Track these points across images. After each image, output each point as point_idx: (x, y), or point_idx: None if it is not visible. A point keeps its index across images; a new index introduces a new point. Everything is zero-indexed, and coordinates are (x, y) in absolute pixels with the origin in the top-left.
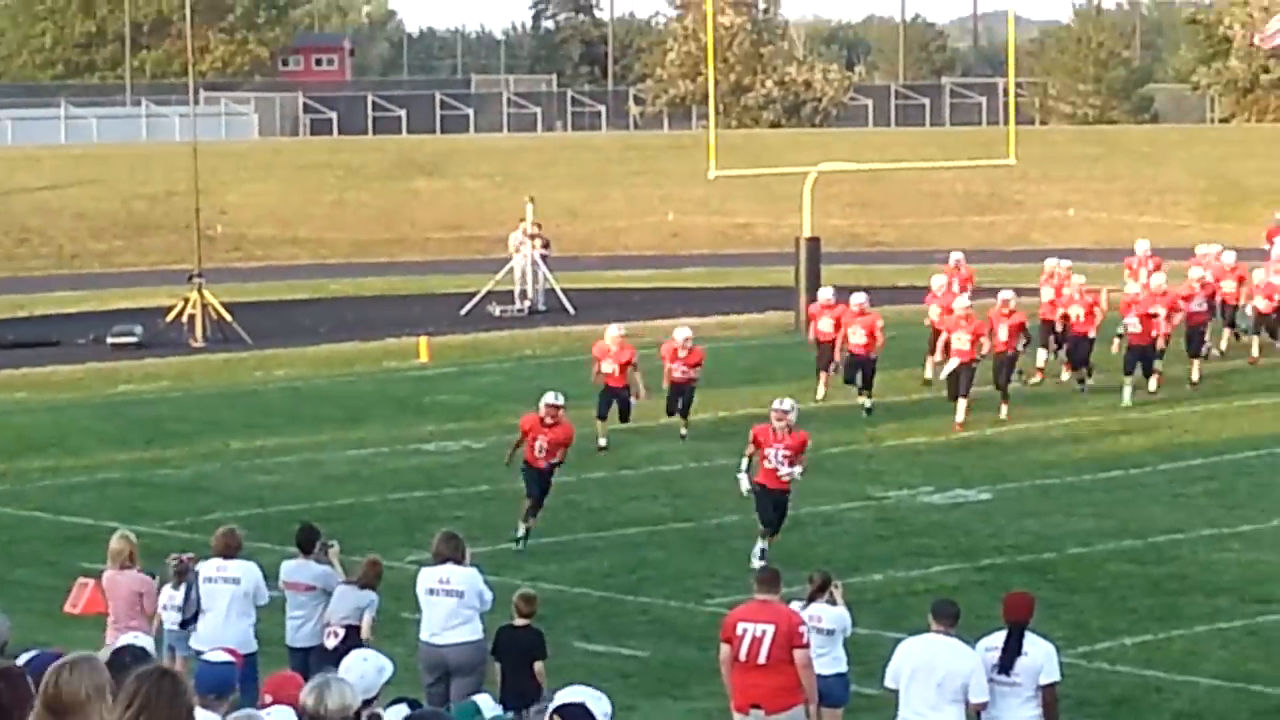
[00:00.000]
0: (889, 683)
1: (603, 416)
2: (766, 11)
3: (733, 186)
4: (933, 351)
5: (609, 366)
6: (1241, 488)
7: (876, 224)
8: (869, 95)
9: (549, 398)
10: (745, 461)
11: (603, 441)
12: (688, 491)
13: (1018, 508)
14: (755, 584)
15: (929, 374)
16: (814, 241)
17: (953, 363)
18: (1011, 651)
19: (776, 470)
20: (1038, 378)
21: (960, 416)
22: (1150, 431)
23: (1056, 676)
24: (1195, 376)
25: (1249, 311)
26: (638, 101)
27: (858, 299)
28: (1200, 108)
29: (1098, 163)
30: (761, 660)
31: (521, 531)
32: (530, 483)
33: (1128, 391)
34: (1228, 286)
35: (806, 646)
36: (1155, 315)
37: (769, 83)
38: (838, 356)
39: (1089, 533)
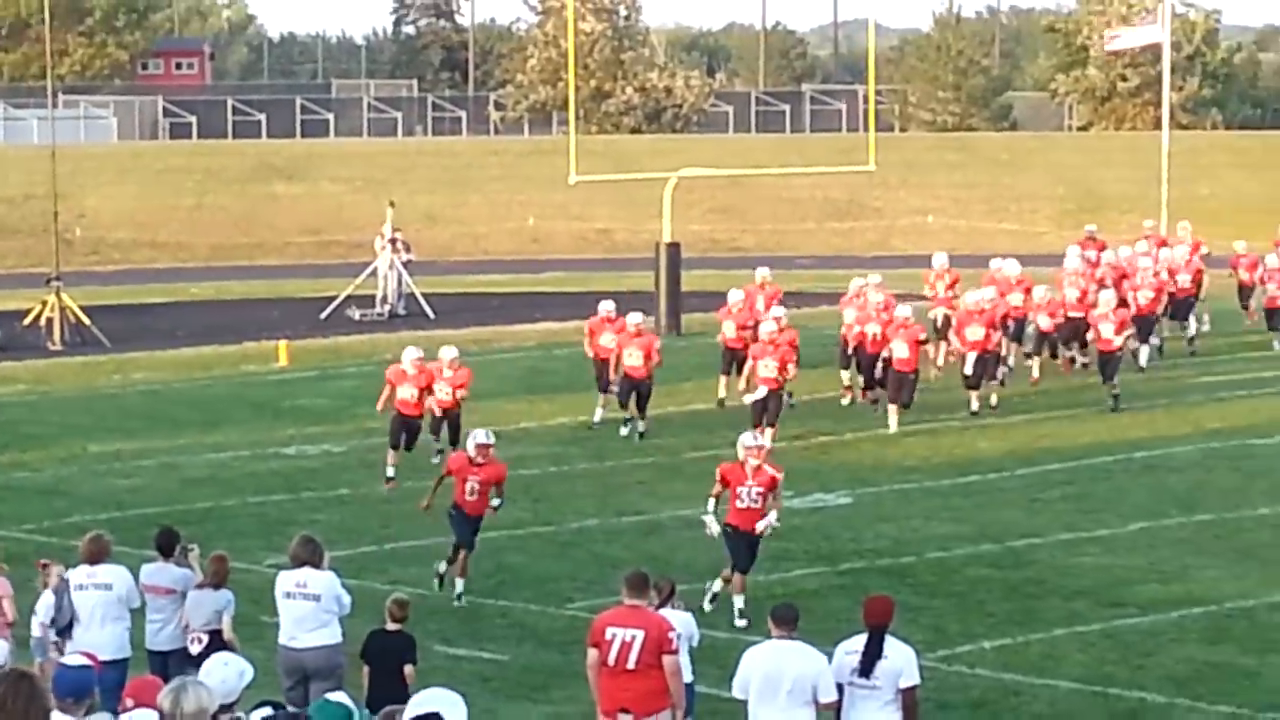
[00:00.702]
0: (737, 693)
1: (395, 446)
2: (627, 18)
3: (593, 192)
4: (726, 372)
5: (406, 392)
6: (1098, 492)
7: (736, 230)
8: (730, 102)
9: (479, 436)
10: (712, 502)
11: (390, 472)
12: (547, 495)
13: (877, 512)
14: (624, 589)
15: (721, 393)
16: (674, 247)
17: (760, 390)
18: (872, 655)
19: (750, 509)
20: (846, 397)
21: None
22: (1008, 437)
23: (916, 680)
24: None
25: (1029, 330)
26: (498, 107)
27: (634, 319)
28: (1059, 115)
29: (957, 170)
30: (631, 665)
31: (443, 569)
32: (459, 526)
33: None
34: (1014, 299)
35: (676, 653)
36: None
37: (630, 89)
38: (613, 375)
39: (947, 537)
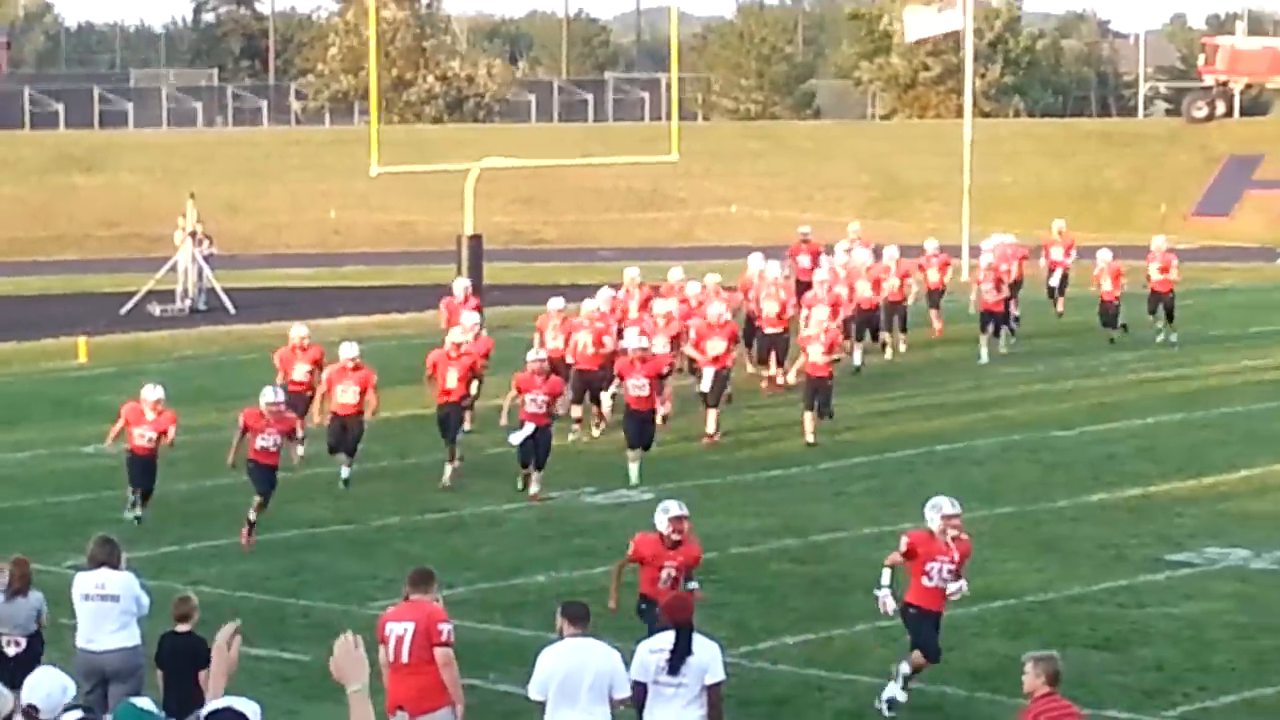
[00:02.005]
0: (535, 694)
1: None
2: (429, 6)
3: (395, 183)
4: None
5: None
6: (901, 486)
7: (539, 221)
8: (532, 91)
9: (268, 394)
10: (887, 574)
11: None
12: (348, 494)
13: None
14: (407, 584)
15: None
16: (476, 239)
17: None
18: (681, 652)
19: (938, 589)
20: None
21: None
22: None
23: (722, 676)
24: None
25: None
26: (299, 96)
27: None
28: (862, 104)
29: (761, 159)
30: (405, 660)
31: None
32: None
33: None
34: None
35: (447, 645)
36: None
37: (431, 78)
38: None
39: (751, 532)
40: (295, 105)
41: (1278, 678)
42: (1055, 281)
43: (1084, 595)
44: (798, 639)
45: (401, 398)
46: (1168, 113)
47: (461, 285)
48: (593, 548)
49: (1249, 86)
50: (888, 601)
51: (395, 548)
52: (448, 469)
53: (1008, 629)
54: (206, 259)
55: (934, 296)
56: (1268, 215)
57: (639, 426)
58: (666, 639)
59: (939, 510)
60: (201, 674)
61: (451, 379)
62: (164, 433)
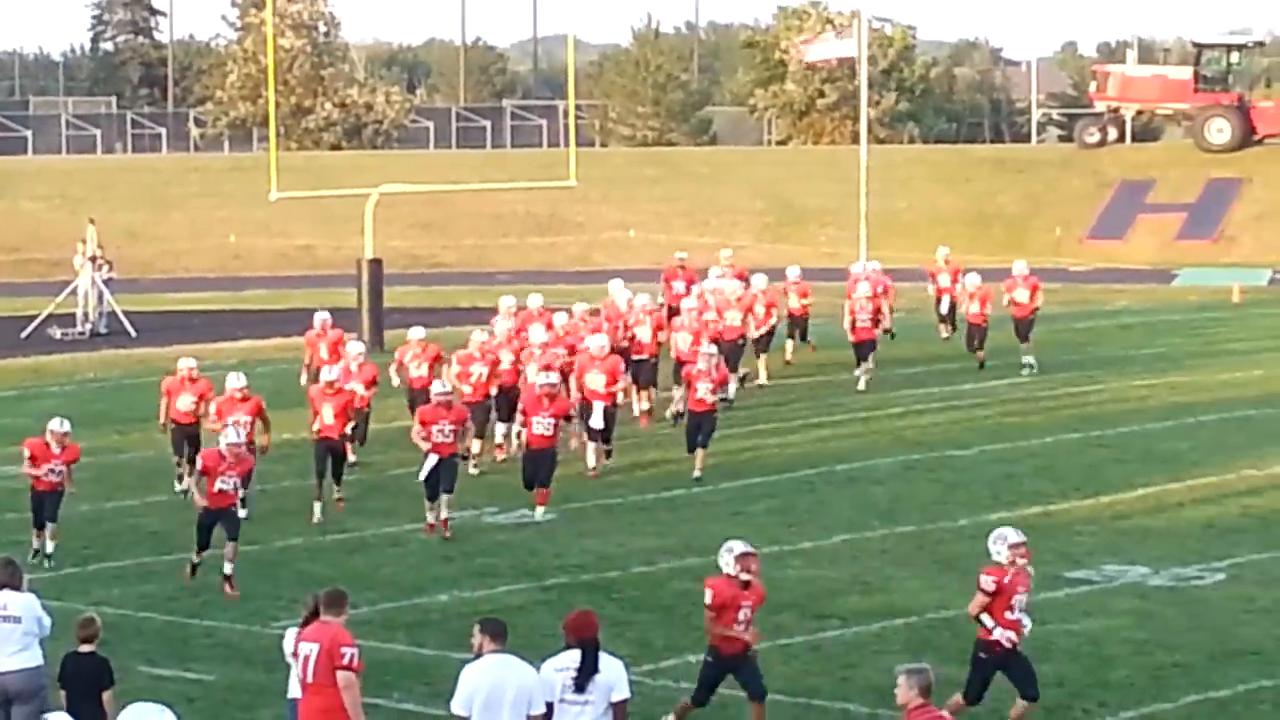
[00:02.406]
0: (460, 710)
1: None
2: (327, 34)
3: (294, 208)
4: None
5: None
6: (801, 505)
7: (438, 245)
8: (430, 118)
9: (229, 435)
10: (989, 620)
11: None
12: (251, 513)
13: (582, 527)
14: (321, 604)
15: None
16: (376, 263)
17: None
18: (588, 670)
19: (1019, 621)
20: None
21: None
22: (711, 451)
23: (627, 694)
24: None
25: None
26: (198, 123)
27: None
28: (758, 130)
29: (657, 184)
30: (310, 680)
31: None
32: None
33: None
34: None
35: (349, 668)
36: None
37: (330, 105)
38: None
39: (652, 551)
40: (194, 132)
41: (1176, 693)
42: (945, 309)
43: None
44: (700, 657)
45: (302, 419)
46: (1060, 139)
47: (320, 318)
48: (495, 567)
49: (1140, 113)
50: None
51: (298, 568)
52: (316, 506)
53: (910, 646)
54: (106, 283)
55: (794, 324)
56: (1160, 238)
57: (535, 467)
58: (571, 657)
59: (1005, 541)
60: (105, 694)
61: (328, 415)
62: (70, 465)
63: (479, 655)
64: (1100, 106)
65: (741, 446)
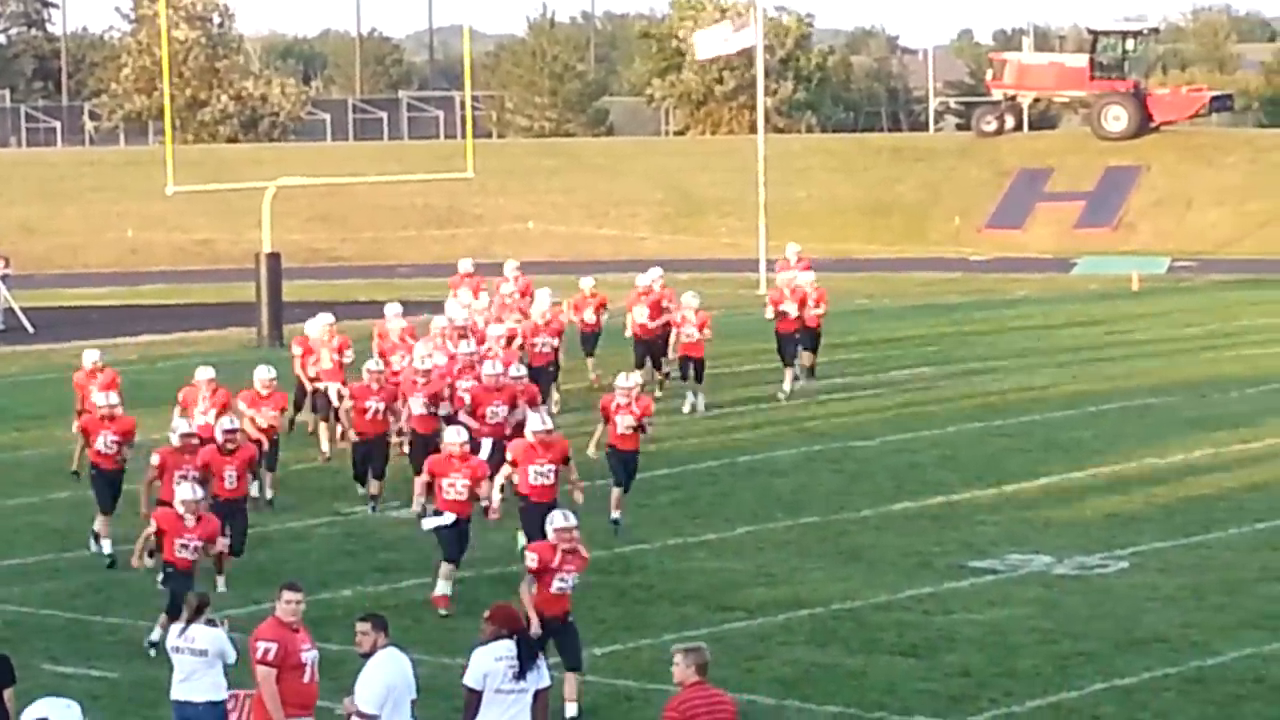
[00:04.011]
0: (372, 708)
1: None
2: (221, 26)
3: (192, 202)
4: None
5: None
6: (705, 497)
7: (336, 238)
8: (327, 109)
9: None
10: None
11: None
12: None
13: (485, 521)
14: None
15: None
16: (274, 257)
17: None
18: (528, 658)
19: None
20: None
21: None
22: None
23: (549, 681)
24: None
25: None
26: (93, 117)
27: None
28: (656, 120)
29: (556, 175)
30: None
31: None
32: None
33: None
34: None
35: (263, 663)
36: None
37: (225, 98)
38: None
39: None
40: (89, 125)
41: (1081, 681)
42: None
43: (890, 603)
44: (605, 650)
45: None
46: (958, 127)
47: (204, 374)
48: (398, 562)
49: (1037, 101)
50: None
51: (200, 564)
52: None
53: (814, 637)
54: (2, 279)
55: (589, 341)
56: (1059, 226)
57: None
58: (507, 647)
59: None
60: (6, 692)
61: (230, 479)
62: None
63: (372, 651)
64: (997, 94)
65: (645, 438)
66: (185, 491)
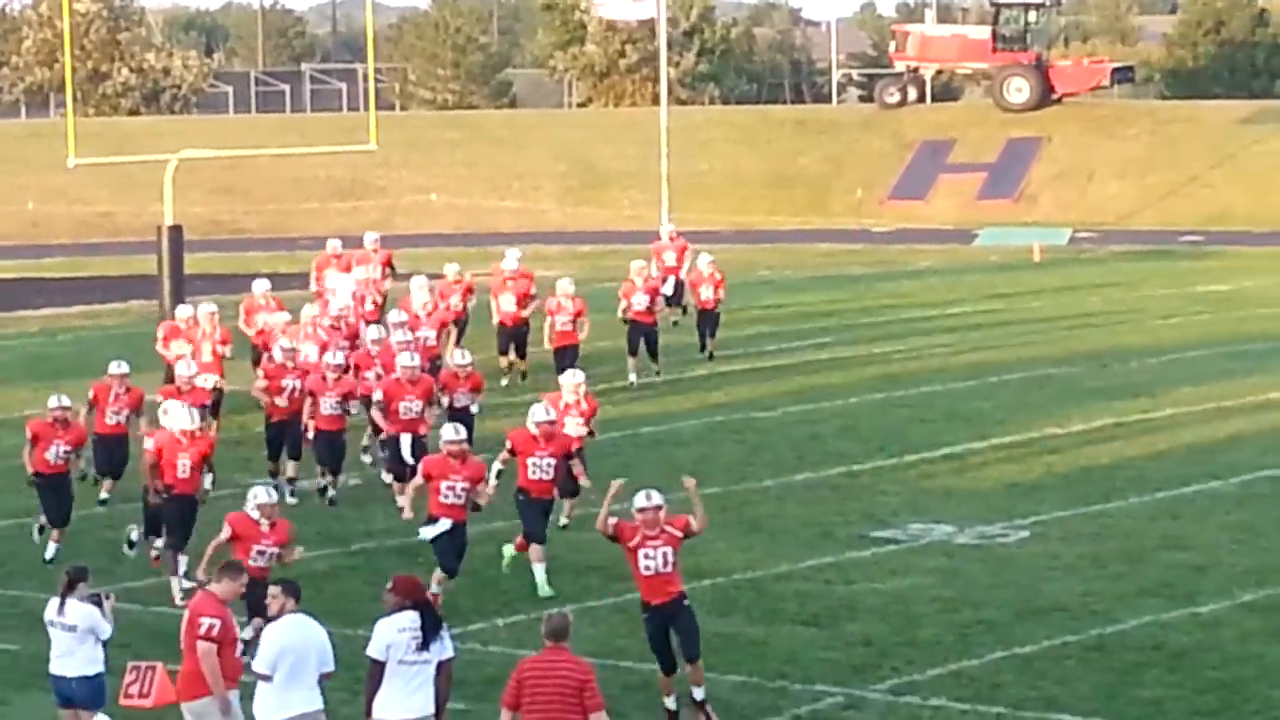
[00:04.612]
0: (265, 669)
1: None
2: None
3: (93, 175)
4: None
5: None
6: (607, 468)
7: (239, 211)
8: (229, 82)
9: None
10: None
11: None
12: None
13: (384, 494)
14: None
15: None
16: (176, 230)
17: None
18: (431, 629)
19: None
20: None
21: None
22: (516, 417)
23: (453, 653)
24: None
25: None
26: None
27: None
28: (559, 92)
29: (459, 148)
30: (182, 647)
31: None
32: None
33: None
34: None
35: (207, 638)
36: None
37: (127, 70)
38: None
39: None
40: None
41: (982, 649)
42: (670, 290)
43: (791, 573)
44: (508, 620)
45: None
46: (861, 99)
47: (117, 367)
48: (301, 534)
49: (940, 73)
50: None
51: (99, 536)
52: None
53: (716, 607)
54: None
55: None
56: (961, 198)
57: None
58: (410, 618)
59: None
60: None
61: (183, 466)
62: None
63: (280, 614)
64: (900, 67)
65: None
66: (262, 495)
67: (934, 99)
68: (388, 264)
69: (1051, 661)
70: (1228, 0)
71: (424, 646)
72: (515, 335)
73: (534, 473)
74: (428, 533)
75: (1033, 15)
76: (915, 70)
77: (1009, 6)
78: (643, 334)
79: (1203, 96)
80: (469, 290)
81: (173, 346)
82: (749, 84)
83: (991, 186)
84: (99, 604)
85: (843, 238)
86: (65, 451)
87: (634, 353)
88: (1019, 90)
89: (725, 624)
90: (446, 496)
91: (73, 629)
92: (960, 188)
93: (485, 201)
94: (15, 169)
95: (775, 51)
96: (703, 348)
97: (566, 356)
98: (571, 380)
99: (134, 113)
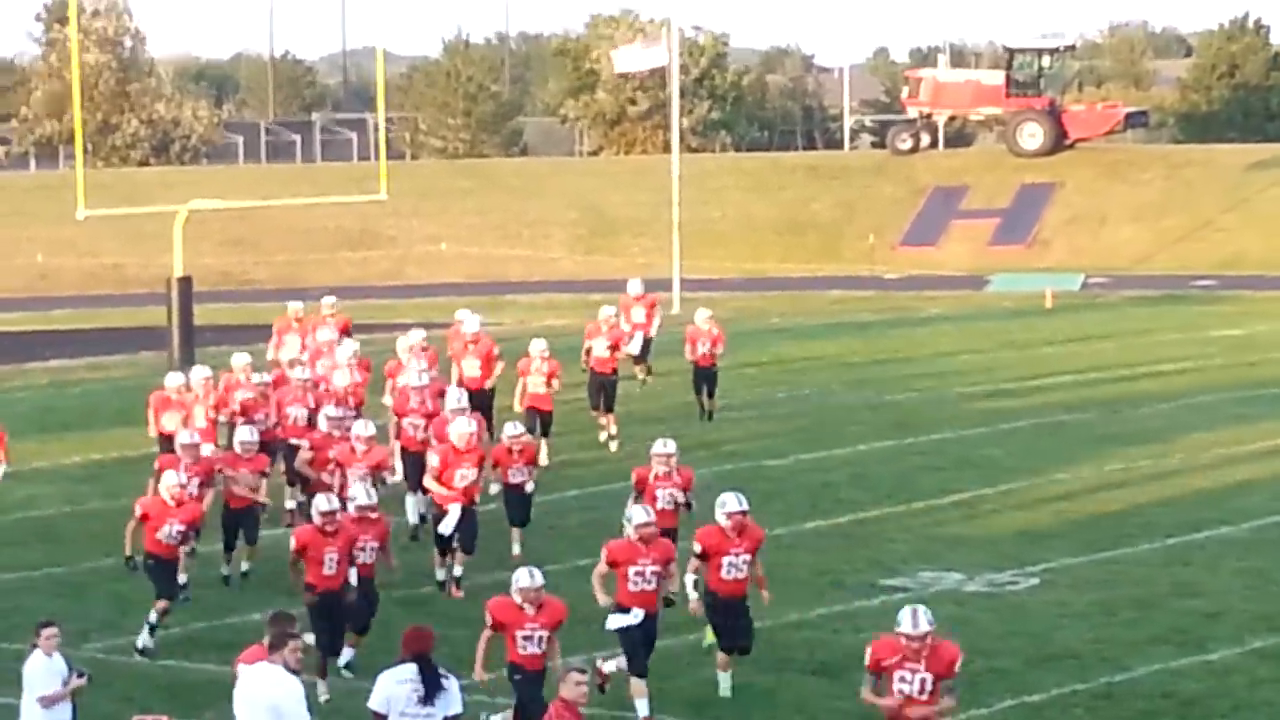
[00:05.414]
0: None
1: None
2: (132, 49)
3: (102, 226)
4: None
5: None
6: (616, 518)
7: (249, 262)
8: (239, 132)
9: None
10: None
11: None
12: (59, 536)
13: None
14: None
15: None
16: (185, 281)
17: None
18: (431, 683)
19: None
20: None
21: None
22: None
23: (460, 709)
24: None
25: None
26: (3, 142)
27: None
28: (569, 140)
29: (470, 196)
30: None
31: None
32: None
33: None
34: None
35: None
36: None
37: (136, 121)
38: None
39: (472, 570)
40: None
41: (991, 699)
42: (635, 348)
43: (801, 622)
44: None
45: (111, 440)
46: (873, 145)
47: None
48: None
49: (952, 118)
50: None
51: (107, 589)
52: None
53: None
54: None
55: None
56: (973, 244)
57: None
58: (409, 670)
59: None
60: None
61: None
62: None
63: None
64: (913, 112)
65: (556, 460)
66: (524, 578)
67: (947, 145)
68: (345, 330)
69: (1060, 710)
70: (1242, 44)
71: (426, 700)
72: (478, 400)
73: (635, 584)
74: (616, 622)
75: (1047, 60)
76: (928, 116)
77: (1023, 52)
78: (601, 384)
79: (1217, 140)
80: (434, 359)
81: (164, 420)
82: (761, 131)
83: (1004, 232)
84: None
85: (855, 284)
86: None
87: (596, 407)
88: (1032, 136)
89: (735, 674)
90: (636, 583)
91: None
92: (973, 234)
93: (495, 250)
94: (24, 221)
95: (787, 98)
96: (701, 409)
97: (538, 420)
98: (663, 450)
99: (144, 163)
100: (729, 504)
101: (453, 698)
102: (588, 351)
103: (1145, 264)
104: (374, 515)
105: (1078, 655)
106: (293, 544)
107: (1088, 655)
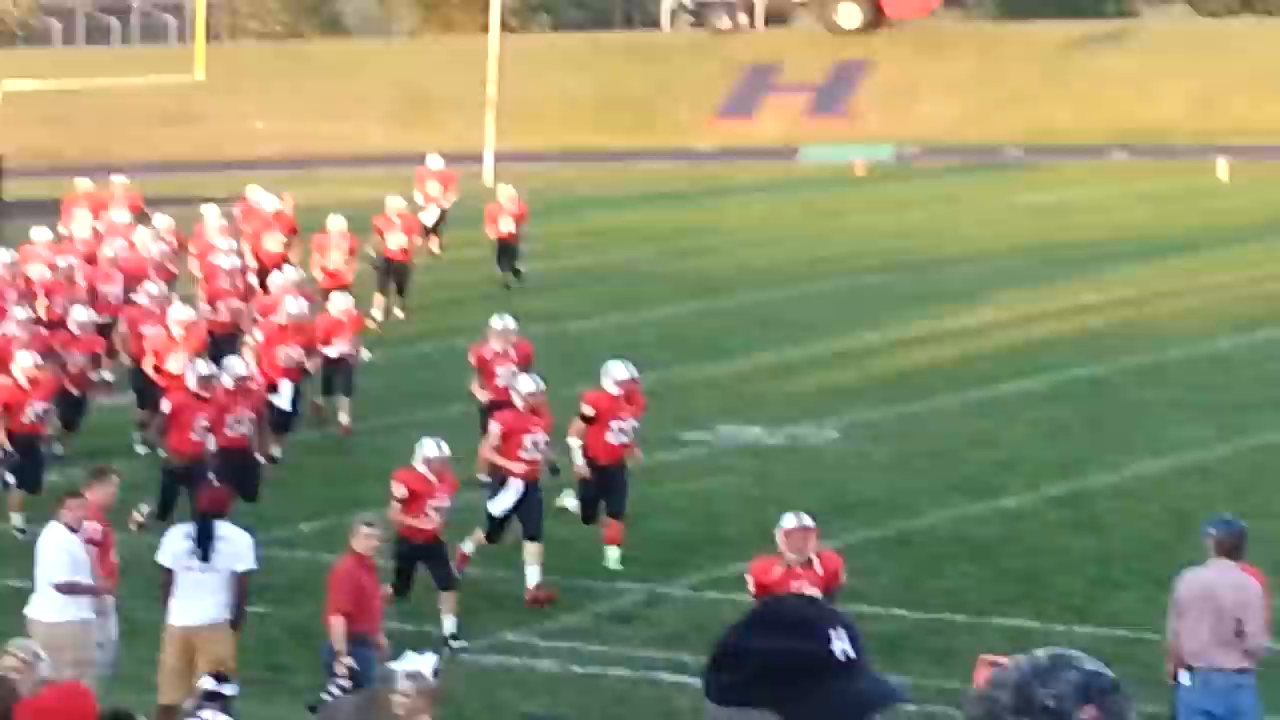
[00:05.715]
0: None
1: None
2: None
3: None
4: None
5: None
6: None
7: (62, 139)
8: (56, 15)
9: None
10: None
11: None
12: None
13: None
14: None
15: None
16: None
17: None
18: (206, 538)
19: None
20: None
21: None
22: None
23: (252, 565)
24: None
25: None
26: None
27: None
28: (388, 23)
29: (287, 77)
30: None
31: None
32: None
33: None
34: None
35: None
36: None
37: None
38: None
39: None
40: None
41: None
42: (431, 220)
43: None
44: (312, 525)
45: None
46: (692, 25)
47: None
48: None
49: None
50: None
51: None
52: None
53: None
54: None
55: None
56: (787, 118)
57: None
58: (191, 527)
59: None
60: None
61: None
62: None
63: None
64: None
65: None
66: (430, 449)
67: (765, 24)
68: (136, 209)
69: (855, 555)
70: None
71: (204, 557)
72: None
73: (614, 438)
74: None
75: None
76: None
77: None
78: (395, 272)
79: (1034, 18)
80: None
81: None
82: (578, 7)
83: (818, 106)
84: None
85: (668, 156)
86: None
87: (383, 290)
88: (848, 14)
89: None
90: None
91: None
92: (787, 108)
93: (312, 127)
94: None
95: None
96: (508, 281)
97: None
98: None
99: None
100: (617, 372)
101: (241, 554)
102: (379, 246)
103: (957, 134)
104: (253, 387)
105: (874, 503)
106: (165, 408)
107: (883, 503)
